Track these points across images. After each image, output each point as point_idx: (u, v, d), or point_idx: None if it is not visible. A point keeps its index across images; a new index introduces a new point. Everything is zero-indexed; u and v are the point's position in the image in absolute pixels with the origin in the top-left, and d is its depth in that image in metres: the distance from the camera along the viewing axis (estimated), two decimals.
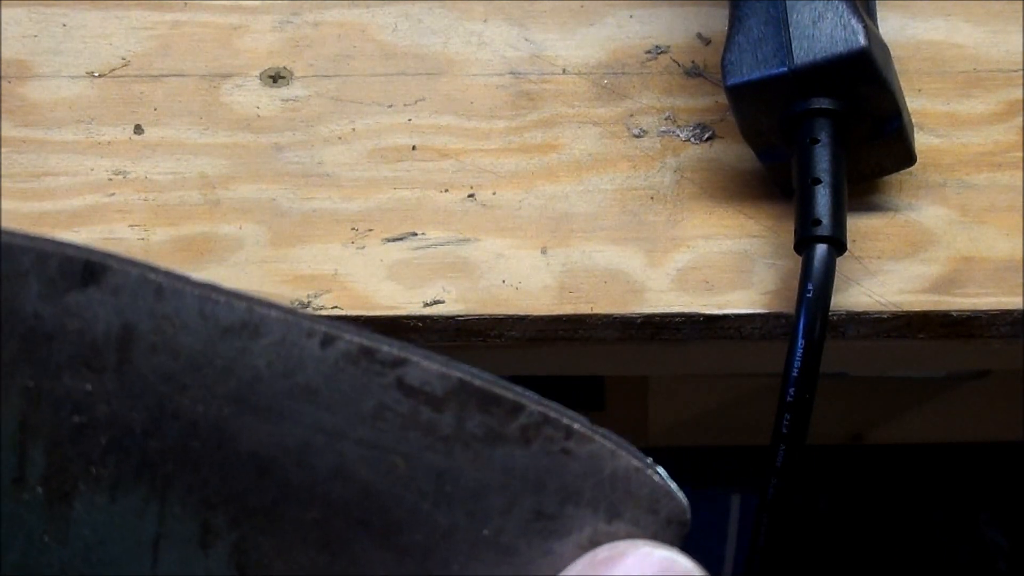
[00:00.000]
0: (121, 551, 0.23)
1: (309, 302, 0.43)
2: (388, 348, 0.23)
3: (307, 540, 0.24)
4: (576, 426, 0.24)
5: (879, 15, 0.49)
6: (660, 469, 0.25)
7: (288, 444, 0.23)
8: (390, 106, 0.48)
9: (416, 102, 0.48)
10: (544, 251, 0.45)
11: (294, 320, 0.23)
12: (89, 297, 0.23)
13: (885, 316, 0.43)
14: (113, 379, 0.23)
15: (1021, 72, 0.49)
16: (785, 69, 0.41)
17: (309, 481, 0.23)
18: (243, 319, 0.23)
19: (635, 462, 0.24)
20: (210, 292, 0.23)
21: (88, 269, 0.23)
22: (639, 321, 0.43)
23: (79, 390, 0.23)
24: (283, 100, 0.48)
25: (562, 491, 0.24)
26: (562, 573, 0.24)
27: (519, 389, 0.24)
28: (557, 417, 0.24)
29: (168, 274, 0.23)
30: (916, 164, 0.45)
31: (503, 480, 0.24)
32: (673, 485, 0.25)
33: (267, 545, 0.24)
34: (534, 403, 0.24)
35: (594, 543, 0.24)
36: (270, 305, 0.23)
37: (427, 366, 0.24)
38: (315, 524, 0.23)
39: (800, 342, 0.40)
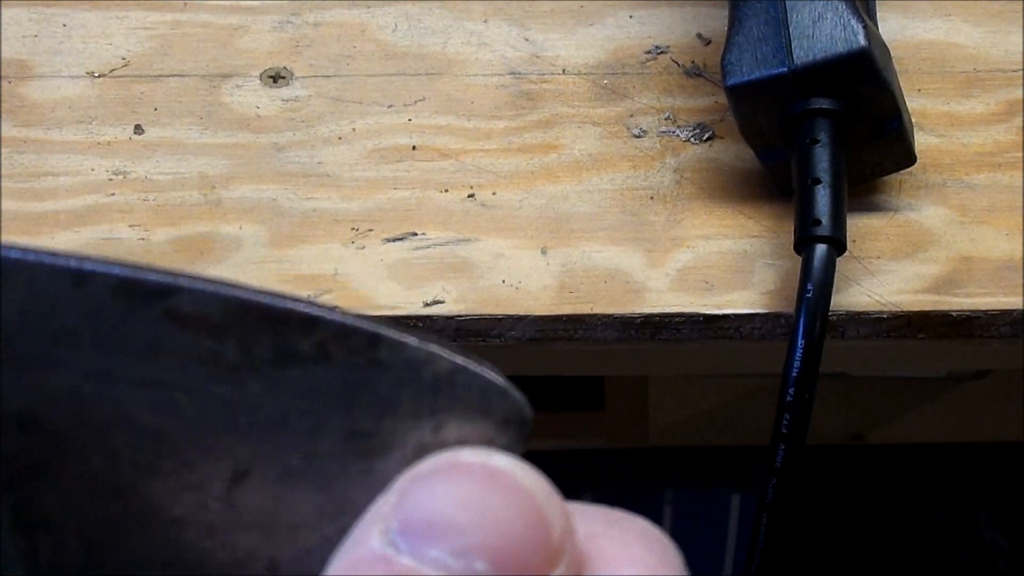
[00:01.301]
0: None
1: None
2: (152, 277, 0.21)
3: (94, 492, 0.22)
4: (383, 333, 0.22)
5: (879, 15, 0.49)
6: (490, 367, 0.22)
7: (54, 395, 0.21)
8: (390, 106, 0.48)
9: (416, 102, 0.48)
10: (544, 251, 0.45)
11: (39, 261, 0.21)
12: None
13: (885, 316, 0.43)
14: None
15: (1021, 72, 0.49)
16: (785, 69, 0.41)
17: (84, 431, 0.21)
18: None
19: (458, 362, 0.22)
20: None
21: None
22: (639, 321, 0.43)
23: None
24: (283, 100, 0.48)
25: (375, 405, 0.22)
26: (380, 495, 0.21)
27: (313, 303, 0.22)
28: (358, 327, 0.22)
29: None
30: (916, 164, 0.45)
31: (305, 404, 0.22)
32: (506, 382, 0.23)
33: (50, 502, 0.22)
34: (330, 315, 0.22)
35: (420, 455, 0.22)
36: (10, 247, 0.21)
37: (200, 291, 0.21)
38: (100, 475, 0.22)
39: (800, 342, 0.40)
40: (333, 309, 0.22)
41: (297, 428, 0.22)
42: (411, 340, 0.22)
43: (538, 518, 0.20)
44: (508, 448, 0.22)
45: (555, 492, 0.21)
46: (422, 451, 0.22)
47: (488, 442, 0.22)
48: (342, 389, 0.22)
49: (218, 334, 0.21)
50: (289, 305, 0.22)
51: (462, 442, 0.22)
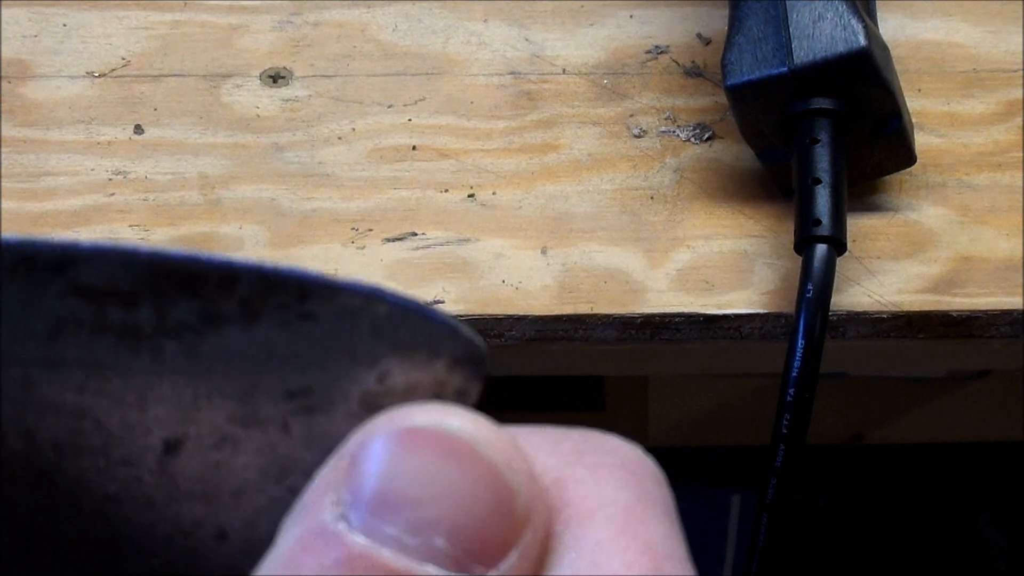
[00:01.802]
0: None
1: None
2: (50, 250, 0.20)
3: (14, 478, 0.21)
4: (312, 283, 0.20)
5: (879, 15, 0.48)
6: (434, 309, 0.21)
7: None
8: (390, 106, 0.48)
9: (416, 102, 0.48)
10: (544, 251, 0.45)
11: None
12: None
13: (885, 316, 0.43)
14: None
15: (1021, 72, 0.49)
16: (785, 69, 0.41)
17: None
18: None
19: (397, 305, 0.20)
20: None
21: None
22: (639, 321, 0.43)
23: None
24: (283, 100, 0.48)
25: (311, 360, 0.20)
26: (330, 457, 0.20)
27: (233, 259, 0.20)
28: (284, 279, 0.20)
29: None
30: (916, 164, 0.45)
31: (234, 366, 0.20)
32: (454, 320, 0.21)
33: None
34: (251, 270, 0.20)
35: (368, 407, 0.21)
36: None
37: (104, 259, 0.20)
38: (19, 459, 0.21)
39: (800, 342, 0.40)
40: (255, 263, 0.20)
41: (228, 393, 0.21)
42: (344, 286, 0.20)
43: (499, 488, 0.19)
44: (462, 389, 0.21)
45: (517, 451, 0.19)
46: (369, 402, 0.21)
47: (439, 385, 0.21)
48: (273, 347, 0.20)
49: (129, 302, 0.20)
50: (205, 264, 0.20)
51: (410, 389, 0.21)
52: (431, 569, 0.18)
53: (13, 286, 0.20)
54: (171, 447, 0.21)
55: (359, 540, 0.18)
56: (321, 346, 0.20)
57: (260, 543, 0.21)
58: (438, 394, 0.21)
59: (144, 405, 0.21)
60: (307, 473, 0.20)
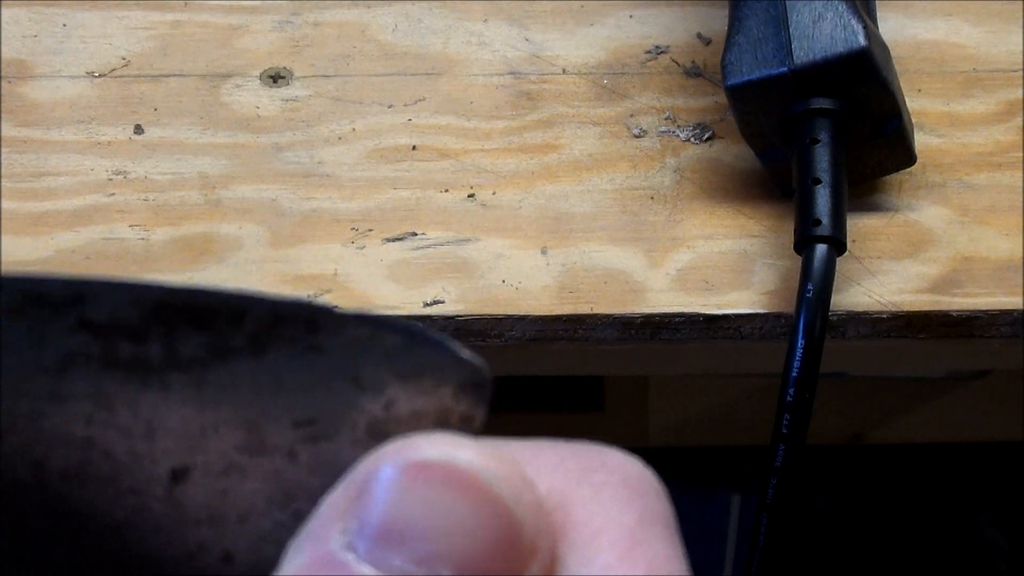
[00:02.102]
0: None
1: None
2: (58, 287, 0.20)
3: (25, 509, 0.21)
4: (320, 316, 0.21)
5: (879, 15, 0.48)
6: (438, 335, 0.21)
7: None
8: (390, 106, 0.48)
9: (416, 102, 0.48)
10: (544, 251, 0.45)
11: None
12: None
13: (885, 316, 0.43)
14: None
15: (1021, 72, 0.49)
16: (785, 69, 0.41)
17: (4, 447, 0.21)
18: None
19: (404, 335, 0.21)
20: None
21: None
22: (639, 321, 0.43)
23: None
24: (283, 100, 0.48)
25: (318, 390, 0.21)
26: (338, 483, 0.20)
27: (243, 292, 0.21)
28: (292, 313, 0.21)
29: None
30: (916, 164, 0.45)
31: (242, 398, 0.21)
32: (457, 346, 0.21)
33: None
34: (259, 305, 0.21)
35: (375, 434, 0.21)
36: None
37: (112, 296, 0.20)
38: (27, 489, 0.21)
39: (800, 342, 0.40)
40: (264, 296, 0.21)
41: (235, 423, 0.21)
42: (352, 318, 0.21)
43: (506, 521, 0.19)
44: (467, 415, 0.21)
45: (524, 482, 0.19)
46: (375, 429, 0.21)
47: (445, 412, 0.21)
48: (281, 378, 0.21)
49: (139, 337, 0.20)
50: (214, 298, 0.21)
51: (416, 416, 0.21)
52: None
53: (23, 322, 0.20)
54: (178, 476, 0.21)
55: (366, 571, 0.19)
56: (328, 376, 0.21)
57: (266, 565, 0.21)
58: (443, 420, 0.21)
59: (152, 436, 0.21)
60: (313, 498, 0.21)
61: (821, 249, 0.40)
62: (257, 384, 0.21)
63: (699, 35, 0.50)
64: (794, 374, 0.40)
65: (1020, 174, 0.46)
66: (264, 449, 0.21)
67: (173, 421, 0.21)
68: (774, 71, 0.42)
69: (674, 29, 0.50)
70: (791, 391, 0.40)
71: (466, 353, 0.21)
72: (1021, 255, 0.44)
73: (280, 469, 0.21)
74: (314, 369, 0.21)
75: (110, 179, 0.46)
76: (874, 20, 0.46)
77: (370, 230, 0.45)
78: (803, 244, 0.41)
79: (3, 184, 0.46)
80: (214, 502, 0.21)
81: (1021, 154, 0.47)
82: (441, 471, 0.19)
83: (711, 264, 0.44)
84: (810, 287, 0.40)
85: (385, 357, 0.21)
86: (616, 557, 0.20)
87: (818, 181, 0.41)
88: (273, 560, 0.21)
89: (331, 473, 0.21)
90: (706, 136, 0.47)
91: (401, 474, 0.19)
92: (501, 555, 0.19)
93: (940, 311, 0.43)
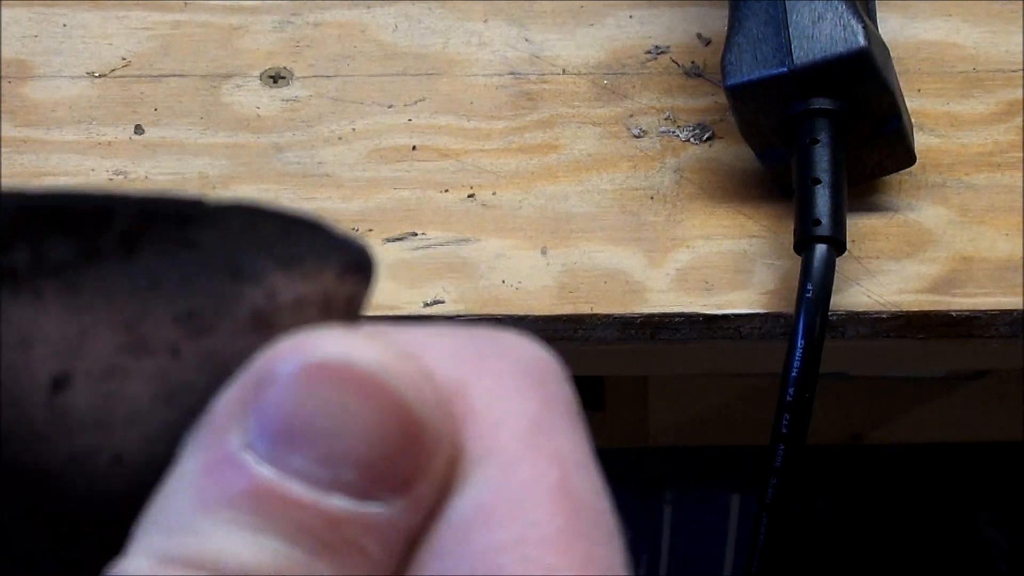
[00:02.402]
0: None
1: None
2: None
3: None
4: (190, 209, 0.20)
5: (879, 15, 0.49)
6: (317, 218, 0.21)
7: None
8: (390, 106, 0.48)
9: (416, 102, 0.48)
10: (544, 251, 0.45)
11: None
12: None
13: (885, 316, 0.43)
14: None
15: (1021, 72, 0.49)
16: (785, 69, 0.41)
17: None
18: None
19: (278, 224, 0.21)
20: None
21: None
22: (639, 321, 0.43)
23: None
24: (283, 100, 0.48)
25: (196, 283, 0.20)
26: (230, 381, 0.20)
27: (110, 192, 0.20)
28: (162, 209, 0.20)
29: None
30: (916, 164, 0.45)
31: (117, 300, 0.20)
32: (341, 230, 0.21)
33: None
34: (127, 203, 0.20)
35: (260, 324, 0.20)
36: None
37: None
38: None
39: (800, 342, 0.40)
40: (131, 195, 0.20)
41: (113, 324, 0.20)
42: (224, 209, 0.20)
43: (407, 419, 0.19)
44: (351, 297, 0.21)
45: (424, 378, 0.19)
46: (259, 319, 0.21)
47: (329, 296, 0.21)
48: (156, 276, 0.20)
49: (2, 246, 0.20)
50: (79, 201, 0.20)
51: (300, 302, 0.21)
52: (338, 500, 0.18)
53: None
54: (60, 383, 0.21)
55: (265, 472, 0.18)
56: (205, 269, 0.21)
57: (158, 465, 0.21)
58: (327, 305, 0.21)
59: (28, 345, 0.20)
60: (201, 395, 0.21)
61: (821, 249, 0.40)
62: (132, 284, 0.20)
63: (699, 35, 0.50)
64: (794, 374, 0.40)
65: (1020, 174, 0.46)
66: (146, 348, 0.21)
67: (48, 328, 0.20)
68: (774, 71, 0.42)
69: (674, 29, 0.50)
70: (791, 391, 0.40)
71: (349, 235, 0.21)
72: (1021, 255, 0.44)
73: (164, 367, 0.21)
74: (190, 264, 0.20)
75: (110, 179, 0.46)
76: (874, 20, 0.46)
77: (370, 230, 0.45)
78: (803, 244, 0.41)
79: (3, 184, 0.46)
80: (99, 406, 0.21)
81: (1021, 154, 0.47)
82: (340, 371, 0.19)
83: (711, 264, 0.44)
84: (810, 287, 0.40)
85: (263, 245, 0.21)
86: (519, 446, 0.19)
87: (818, 181, 0.41)
88: (165, 459, 0.20)
89: (218, 368, 0.21)
90: (706, 136, 0.47)
91: (300, 373, 0.19)
92: (403, 454, 0.19)
93: (940, 311, 0.43)
